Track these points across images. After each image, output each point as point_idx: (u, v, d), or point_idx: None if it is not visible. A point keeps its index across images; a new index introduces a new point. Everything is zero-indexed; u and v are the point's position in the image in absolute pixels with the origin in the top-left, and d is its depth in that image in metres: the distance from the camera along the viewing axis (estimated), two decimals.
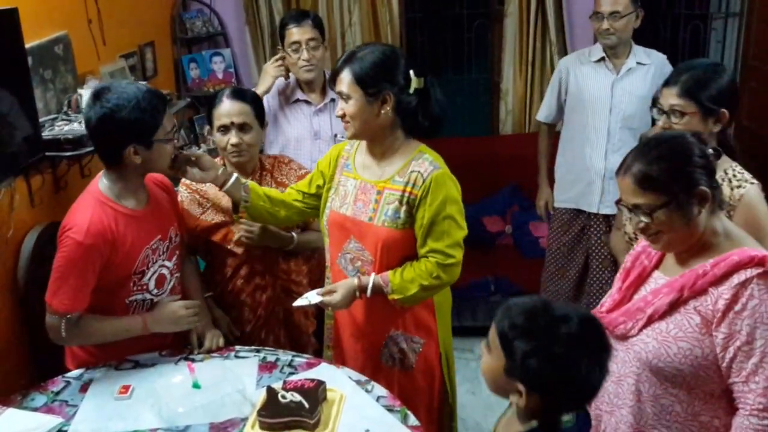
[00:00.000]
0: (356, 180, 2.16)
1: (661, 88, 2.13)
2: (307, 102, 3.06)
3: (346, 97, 2.04)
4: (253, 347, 2.23)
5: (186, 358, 2.16)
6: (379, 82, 2.00)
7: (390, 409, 1.91)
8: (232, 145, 2.34)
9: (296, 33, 2.93)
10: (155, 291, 2.15)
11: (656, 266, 1.70)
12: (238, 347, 2.23)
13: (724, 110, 2.03)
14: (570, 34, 4.27)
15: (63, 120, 2.61)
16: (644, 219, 1.56)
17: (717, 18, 4.69)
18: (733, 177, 1.98)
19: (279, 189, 2.41)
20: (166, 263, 2.18)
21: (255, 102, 2.42)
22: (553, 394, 1.31)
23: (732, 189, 1.96)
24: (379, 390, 2.00)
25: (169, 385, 1.97)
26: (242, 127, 2.35)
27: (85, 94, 2.57)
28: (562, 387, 1.29)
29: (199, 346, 2.22)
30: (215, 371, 2.04)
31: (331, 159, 2.25)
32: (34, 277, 2.33)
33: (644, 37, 3.92)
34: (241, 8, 4.25)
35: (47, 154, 2.41)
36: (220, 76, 4.21)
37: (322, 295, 2.09)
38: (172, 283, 2.22)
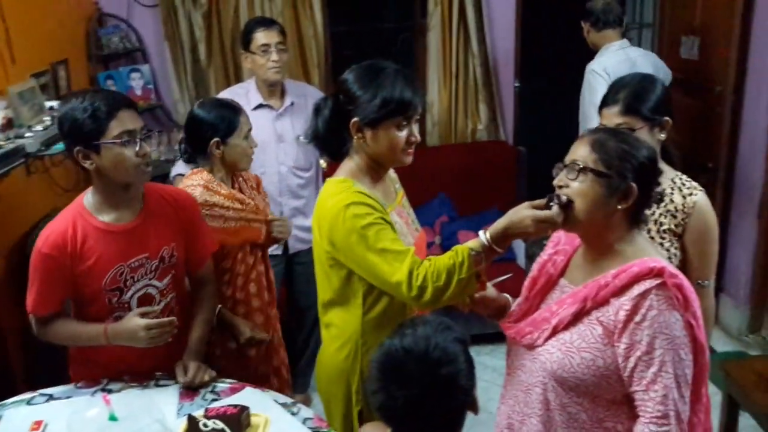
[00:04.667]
0: (392, 211, 1.96)
1: (600, 109, 2.14)
2: (269, 107, 3.16)
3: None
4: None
5: (103, 390, 2.08)
6: None
7: (317, 431, 1.88)
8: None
9: (266, 36, 3.05)
10: None
11: (562, 274, 1.73)
12: (158, 374, 2.15)
13: (666, 118, 2.07)
14: (491, 46, 4.34)
15: None
16: (570, 176, 1.57)
17: (632, 28, 4.86)
18: (683, 185, 2.05)
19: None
20: (155, 282, 2.11)
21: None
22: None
23: (684, 197, 2.03)
24: (306, 412, 1.97)
25: (83, 419, 1.88)
26: None
27: None
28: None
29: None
30: (133, 401, 1.97)
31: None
32: None
33: (561, 44, 4.02)
34: (160, 23, 4.15)
35: None
36: (138, 92, 4.10)
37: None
38: (163, 304, 2.14)
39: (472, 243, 1.71)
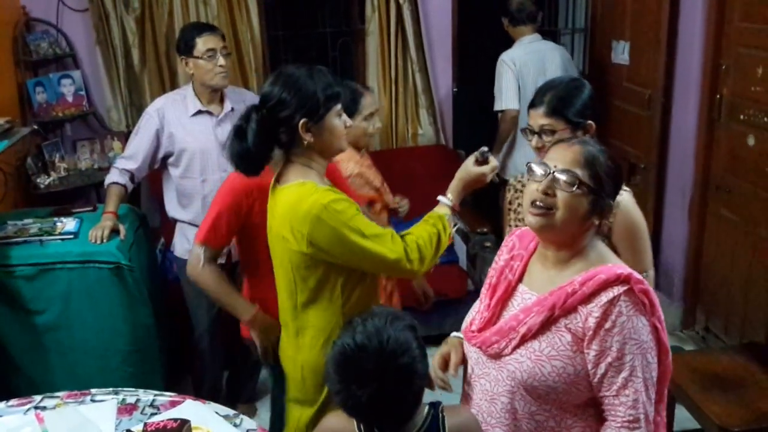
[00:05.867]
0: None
1: (528, 110, 2.19)
2: (209, 113, 3.07)
3: None
4: (111, 389, 2.09)
5: (36, 407, 2.00)
6: None
7: None
8: None
9: (211, 41, 2.97)
10: None
11: (519, 279, 1.72)
12: (94, 390, 2.08)
13: (590, 122, 2.13)
14: (429, 51, 4.38)
15: None
16: (564, 187, 1.55)
17: (565, 33, 4.98)
18: None
19: None
20: None
21: None
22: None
23: None
24: (248, 423, 1.94)
25: None
26: None
27: None
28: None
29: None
30: (68, 419, 1.90)
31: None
32: None
33: (498, 49, 4.11)
34: (91, 28, 4.03)
35: None
36: (70, 99, 3.96)
37: None
38: None
39: (443, 210, 2.01)
